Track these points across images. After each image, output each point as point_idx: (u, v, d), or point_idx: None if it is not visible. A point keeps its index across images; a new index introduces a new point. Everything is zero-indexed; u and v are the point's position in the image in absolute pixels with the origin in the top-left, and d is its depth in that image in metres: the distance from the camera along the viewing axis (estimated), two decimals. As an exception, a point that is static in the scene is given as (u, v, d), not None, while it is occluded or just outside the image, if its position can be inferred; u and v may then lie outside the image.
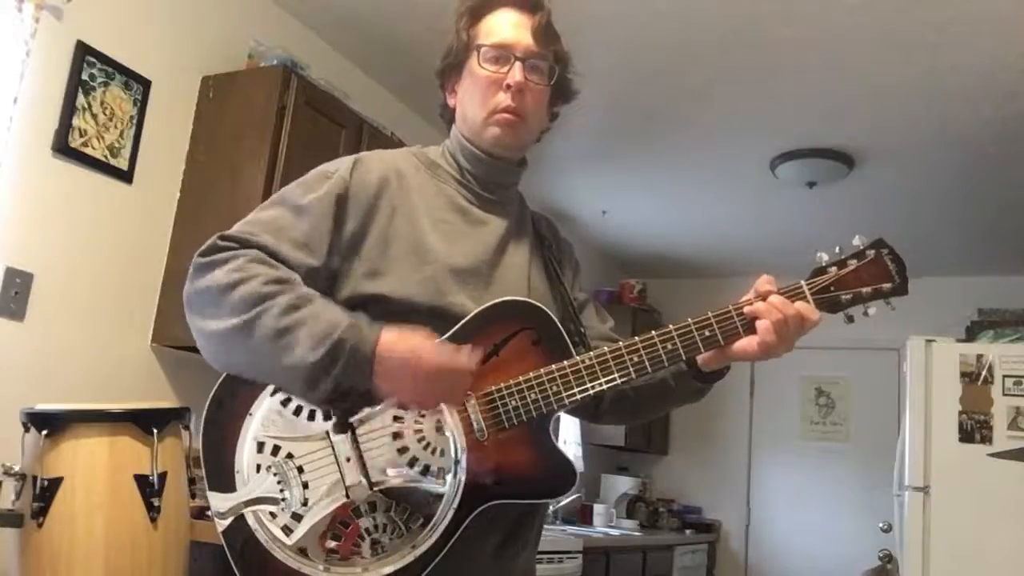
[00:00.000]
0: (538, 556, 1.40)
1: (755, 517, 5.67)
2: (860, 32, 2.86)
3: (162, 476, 1.74)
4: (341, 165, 1.27)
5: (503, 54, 1.28)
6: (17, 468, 1.72)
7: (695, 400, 1.35)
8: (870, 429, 5.35)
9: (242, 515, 1.12)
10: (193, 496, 1.91)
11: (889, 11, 2.72)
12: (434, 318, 1.17)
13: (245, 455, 1.14)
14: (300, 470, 1.12)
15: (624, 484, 5.29)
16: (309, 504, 1.11)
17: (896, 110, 3.38)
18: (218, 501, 1.13)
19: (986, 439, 3.39)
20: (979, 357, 3.47)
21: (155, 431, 1.76)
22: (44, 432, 1.69)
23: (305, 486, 1.12)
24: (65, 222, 2.31)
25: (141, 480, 1.72)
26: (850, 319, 1.23)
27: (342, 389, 1.07)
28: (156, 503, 1.71)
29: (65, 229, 2.31)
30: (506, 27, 1.30)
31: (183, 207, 2.63)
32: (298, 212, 1.20)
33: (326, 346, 1.05)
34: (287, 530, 1.11)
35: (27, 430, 1.74)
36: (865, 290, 1.21)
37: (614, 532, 4.55)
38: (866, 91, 3.25)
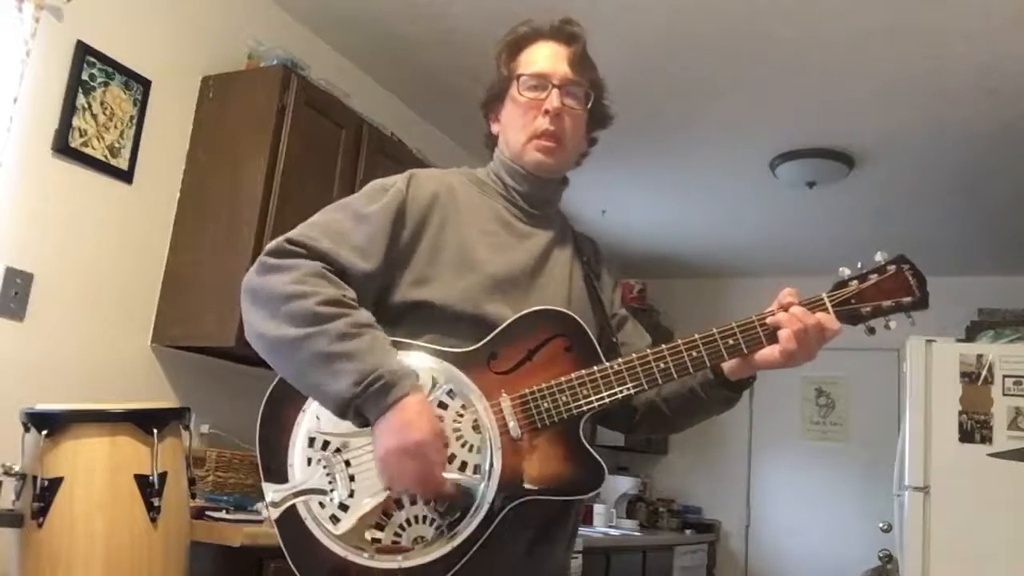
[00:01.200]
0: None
1: (755, 517, 5.67)
2: (860, 32, 2.86)
3: (162, 476, 1.74)
4: (398, 179, 1.35)
5: (541, 82, 1.37)
6: (17, 468, 1.72)
7: (725, 409, 1.41)
8: (870, 429, 5.34)
9: (293, 505, 1.20)
10: (193, 496, 1.91)
11: (889, 11, 2.72)
12: (474, 325, 1.26)
13: (297, 449, 1.22)
14: (347, 464, 1.20)
15: (624, 484, 5.29)
16: (355, 496, 1.18)
17: (896, 110, 3.38)
18: (271, 492, 1.21)
19: (986, 439, 3.39)
20: (979, 357, 3.47)
21: (155, 431, 1.76)
22: (44, 432, 1.69)
23: (352, 479, 1.19)
24: (65, 222, 2.31)
25: (141, 480, 1.72)
26: (871, 331, 1.29)
27: (362, 420, 1.17)
28: (156, 503, 1.72)
29: (65, 229, 2.31)
30: (543, 58, 1.39)
31: (183, 207, 2.63)
32: (359, 219, 1.28)
33: (362, 386, 1.13)
34: (335, 520, 1.18)
35: (27, 430, 1.74)
36: (886, 303, 1.27)
37: (614, 532, 4.56)
38: (866, 91, 3.25)
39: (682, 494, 5.81)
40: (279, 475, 1.22)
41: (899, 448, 3.65)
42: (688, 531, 5.44)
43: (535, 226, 1.41)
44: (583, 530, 4.21)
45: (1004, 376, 3.42)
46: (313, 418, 1.22)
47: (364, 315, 1.21)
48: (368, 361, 1.14)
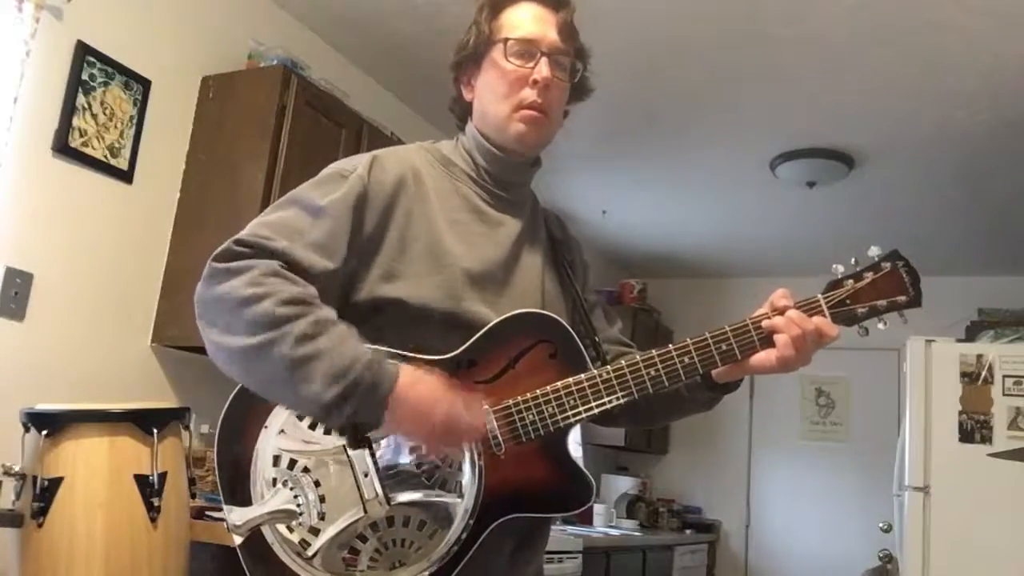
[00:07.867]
0: (537, 556, 1.41)
1: (755, 517, 5.67)
2: (860, 32, 2.85)
3: (162, 476, 1.74)
4: (358, 164, 1.23)
5: (529, 49, 1.26)
6: (17, 468, 1.72)
7: (706, 410, 1.36)
8: (870, 429, 5.34)
9: (259, 529, 1.12)
10: (193, 496, 1.92)
11: (889, 11, 2.72)
12: (449, 324, 1.17)
13: (260, 468, 1.13)
14: (317, 484, 1.11)
15: (624, 484, 5.29)
16: (326, 518, 1.10)
17: (896, 110, 3.37)
18: (234, 515, 1.12)
19: (986, 439, 3.39)
20: (979, 357, 3.47)
21: (155, 431, 1.76)
22: (44, 432, 1.69)
23: (322, 500, 1.11)
24: (65, 222, 2.31)
25: (141, 480, 1.72)
26: (865, 331, 1.23)
27: (355, 423, 1.08)
28: (156, 503, 1.72)
29: (65, 229, 2.31)
30: (531, 22, 1.28)
31: (183, 207, 2.63)
32: (316, 213, 1.16)
33: (340, 385, 1.04)
34: (304, 544, 1.10)
35: (27, 430, 1.74)
36: (881, 303, 1.21)
37: (614, 532, 4.55)
38: (866, 91, 3.25)
39: (682, 494, 5.81)
40: (242, 497, 1.13)
41: (899, 448, 3.65)
42: (688, 531, 5.45)
43: (506, 212, 1.31)
44: (583, 530, 4.21)
45: (1004, 376, 3.42)
46: (277, 435, 1.13)
47: (326, 311, 1.09)
48: (340, 358, 1.04)
